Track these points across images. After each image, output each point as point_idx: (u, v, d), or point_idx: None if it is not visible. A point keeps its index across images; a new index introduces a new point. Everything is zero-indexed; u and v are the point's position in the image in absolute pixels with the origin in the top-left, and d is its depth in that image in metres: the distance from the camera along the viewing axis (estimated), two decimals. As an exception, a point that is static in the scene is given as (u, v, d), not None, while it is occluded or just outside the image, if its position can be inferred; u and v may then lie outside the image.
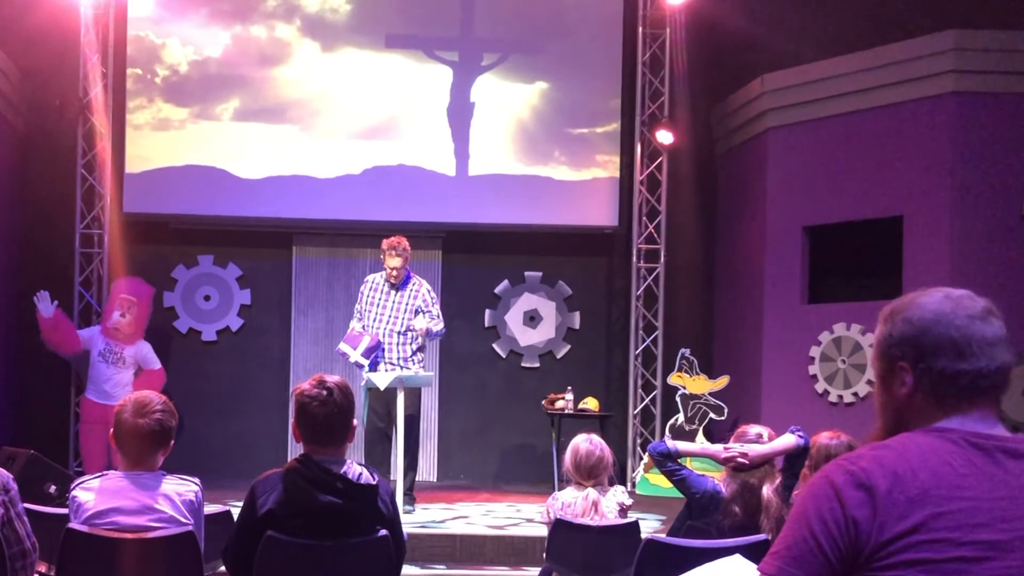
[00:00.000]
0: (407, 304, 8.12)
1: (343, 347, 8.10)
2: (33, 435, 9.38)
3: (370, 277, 8.40)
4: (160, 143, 10.18)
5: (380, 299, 8.17)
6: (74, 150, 9.87)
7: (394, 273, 8.08)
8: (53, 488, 7.21)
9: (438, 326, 8.16)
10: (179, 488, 3.68)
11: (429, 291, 8.25)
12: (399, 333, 8.10)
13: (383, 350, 8.08)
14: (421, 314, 8.09)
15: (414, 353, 8.13)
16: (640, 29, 10.28)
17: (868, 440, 1.86)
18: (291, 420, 3.64)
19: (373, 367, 8.01)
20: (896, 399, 1.82)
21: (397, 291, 8.15)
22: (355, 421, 3.60)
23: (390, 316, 8.12)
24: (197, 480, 3.76)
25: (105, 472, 3.75)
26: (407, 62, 10.35)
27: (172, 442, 3.70)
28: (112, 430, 3.68)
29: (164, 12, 10.17)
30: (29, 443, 7.95)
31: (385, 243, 8.15)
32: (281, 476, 3.45)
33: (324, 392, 3.50)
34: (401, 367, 8.02)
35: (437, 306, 8.25)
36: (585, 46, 10.36)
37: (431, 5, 10.37)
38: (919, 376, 1.80)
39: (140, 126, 10.19)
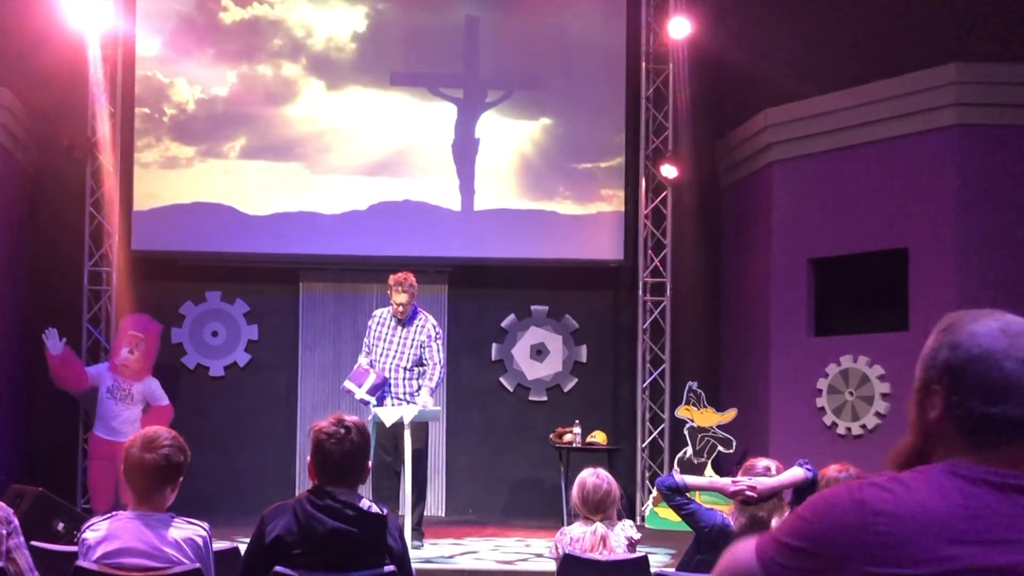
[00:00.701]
0: (413, 339, 8.14)
1: (348, 384, 8.11)
2: (41, 472, 9.40)
3: (377, 312, 8.40)
4: (168, 181, 10.26)
5: (387, 334, 8.18)
6: (82, 188, 9.95)
7: (400, 309, 8.09)
8: (61, 525, 7.21)
9: (434, 380, 8.12)
10: (187, 532, 3.64)
11: (435, 327, 8.25)
12: (406, 368, 8.11)
13: (390, 385, 8.09)
14: (419, 390, 8.06)
15: (421, 388, 8.13)
16: (643, 65, 10.35)
17: (893, 454, 1.80)
18: (307, 458, 3.65)
19: (380, 402, 8.02)
20: (926, 420, 1.75)
21: (404, 326, 8.16)
22: (368, 463, 3.63)
23: (396, 351, 8.13)
24: (206, 524, 3.73)
25: (114, 513, 3.74)
26: (412, 99, 10.43)
27: (181, 478, 3.69)
28: (122, 466, 3.69)
29: (171, 52, 10.28)
30: (37, 480, 7.96)
31: (392, 279, 8.16)
32: (291, 505, 3.49)
33: (342, 430, 3.54)
34: (408, 402, 8.03)
35: (439, 342, 8.21)
36: (589, 82, 10.44)
37: (435, 43, 10.46)
38: (949, 407, 1.71)
39: (148, 164, 10.27)
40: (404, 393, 8.09)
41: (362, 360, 8.26)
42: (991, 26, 9.72)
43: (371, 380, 7.98)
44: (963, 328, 1.73)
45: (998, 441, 1.69)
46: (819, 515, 1.71)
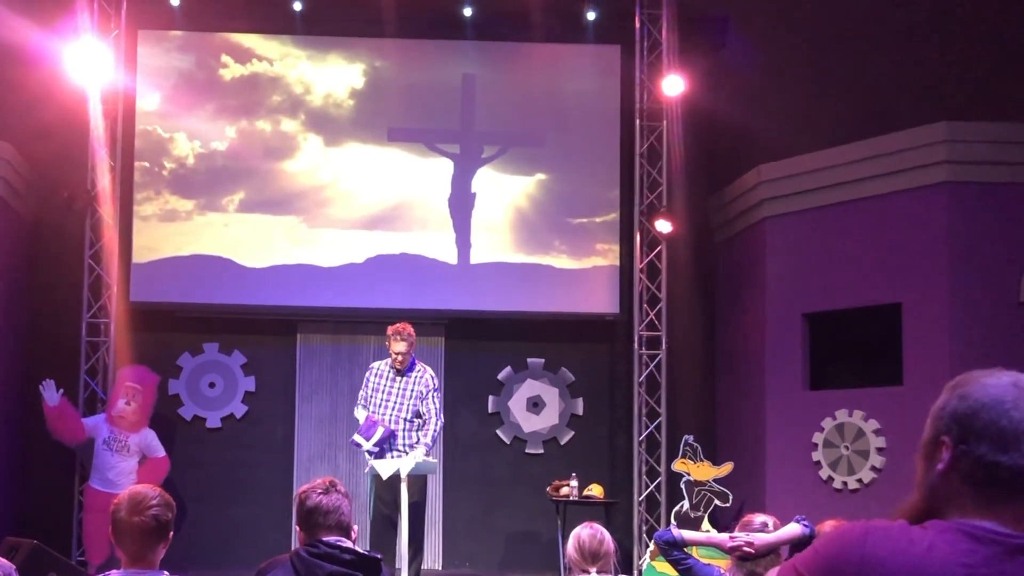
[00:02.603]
0: (412, 390, 8.14)
1: (356, 438, 8.05)
2: (37, 524, 9.36)
3: (375, 364, 8.41)
4: (167, 234, 10.34)
5: (385, 385, 8.19)
6: (82, 241, 9.99)
7: (399, 358, 8.08)
8: (56, 579, 7.20)
9: (429, 435, 8.10)
10: None
11: (432, 378, 8.27)
12: (406, 419, 8.10)
13: (395, 438, 8.04)
14: (418, 442, 8.07)
15: (420, 440, 8.12)
16: (637, 121, 10.46)
17: (899, 510, 1.79)
18: (296, 528, 3.69)
19: (380, 455, 8.02)
20: (931, 474, 1.74)
21: (402, 377, 8.18)
22: (355, 526, 3.69)
23: (396, 402, 8.13)
24: None
25: (107, 573, 3.71)
26: (409, 155, 10.55)
27: (171, 533, 3.64)
28: (111, 528, 3.64)
29: (171, 107, 10.40)
30: (33, 532, 7.95)
31: (390, 329, 8.19)
32: (287, 557, 3.54)
33: (328, 483, 3.64)
34: (407, 453, 8.00)
35: (437, 394, 8.23)
36: (583, 138, 10.58)
37: (432, 100, 10.59)
38: (957, 457, 1.70)
39: (147, 217, 10.35)
40: (404, 445, 8.08)
41: (359, 414, 8.26)
42: (981, 85, 9.90)
43: (379, 434, 7.94)
44: (973, 381, 1.74)
45: (1008, 495, 1.68)
46: (827, 548, 1.75)
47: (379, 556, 3.58)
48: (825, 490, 9.23)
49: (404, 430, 8.10)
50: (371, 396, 8.21)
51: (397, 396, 8.15)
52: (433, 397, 8.17)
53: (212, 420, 10.47)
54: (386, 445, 8.06)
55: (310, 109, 10.58)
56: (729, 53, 10.77)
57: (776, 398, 9.72)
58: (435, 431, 8.19)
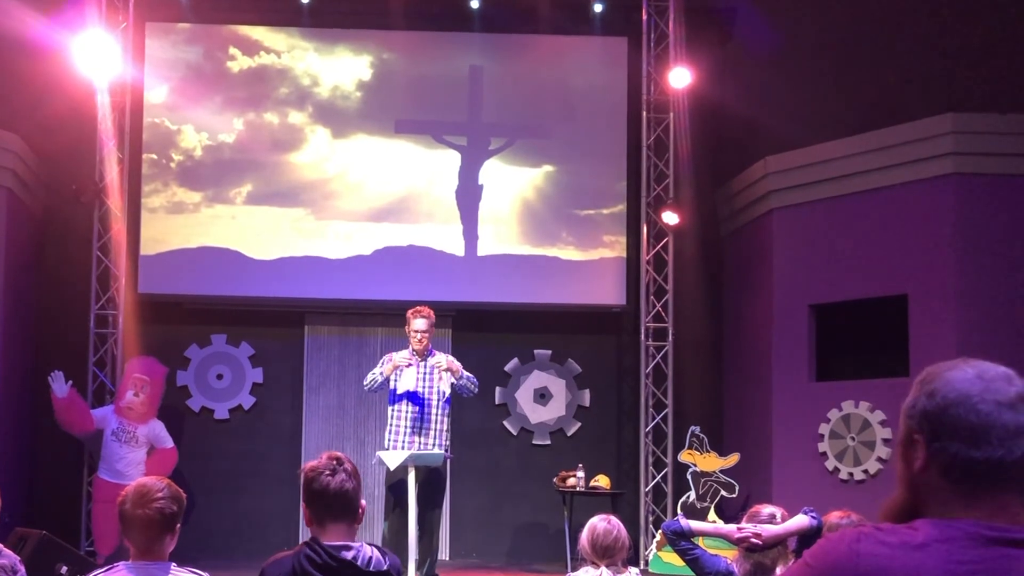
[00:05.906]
0: (437, 371, 7.95)
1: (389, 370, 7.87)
2: (45, 515, 9.41)
3: (392, 354, 8.05)
4: (174, 226, 10.37)
5: (410, 371, 7.91)
6: (90, 233, 10.02)
7: (419, 336, 7.87)
8: (64, 569, 7.23)
9: (468, 376, 8.00)
10: None
11: (449, 356, 8.19)
12: (439, 402, 7.92)
13: (426, 424, 7.87)
14: (448, 429, 7.96)
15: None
16: (644, 113, 10.48)
17: (884, 509, 1.79)
18: (302, 504, 3.62)
19: (412, 435, 7.80)
20: (911, 472, 1.74)
21: (425, 361, 7.97)
22: (363, 502, 3.60)
23: (425, 386, 7.90)
24: (206, 574, 3.69)
25: (114, 564, 3.73)
26: (416, 147, 10.57)
27: (179, 526, 3.64)
28: (118, 520, 3.63)
29: (179, 99, 10.42)
30: (41, 523, 7.98)
31: (410, 312, 8.01)
32: (290, 560, 3.43)
33: (335, 462, 3.49)
34: (439, 443, 7.85)
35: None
36: (590, 130, 10.59)
37: (439, 92, 10.60)
38: (932, 455, 1.70)
39: (155, 209, 10.38)
40: (436, 431, 7.88)
41: (376, 371, 7.96)
42: (987, 77, 9.88)
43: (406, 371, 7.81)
44: (939, 377, 1.75)
45: (986, 488, 1.68)
46: (818, 560, 1.73)
47: (385, 568, 3.48)
48: (831, 481, 9.25)
49: (437, 414, 7.91)
50: (397, 380, 7.90)
51: (426, 379, 7.94)
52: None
53: (220, 411, 10.50)
54: (419, 433, 7.86)
55: (317, 101, 10.60)
56: (736, 45, 10.78)
57: (783, 389, 9.73)
58: (470, 375, 8.04)
